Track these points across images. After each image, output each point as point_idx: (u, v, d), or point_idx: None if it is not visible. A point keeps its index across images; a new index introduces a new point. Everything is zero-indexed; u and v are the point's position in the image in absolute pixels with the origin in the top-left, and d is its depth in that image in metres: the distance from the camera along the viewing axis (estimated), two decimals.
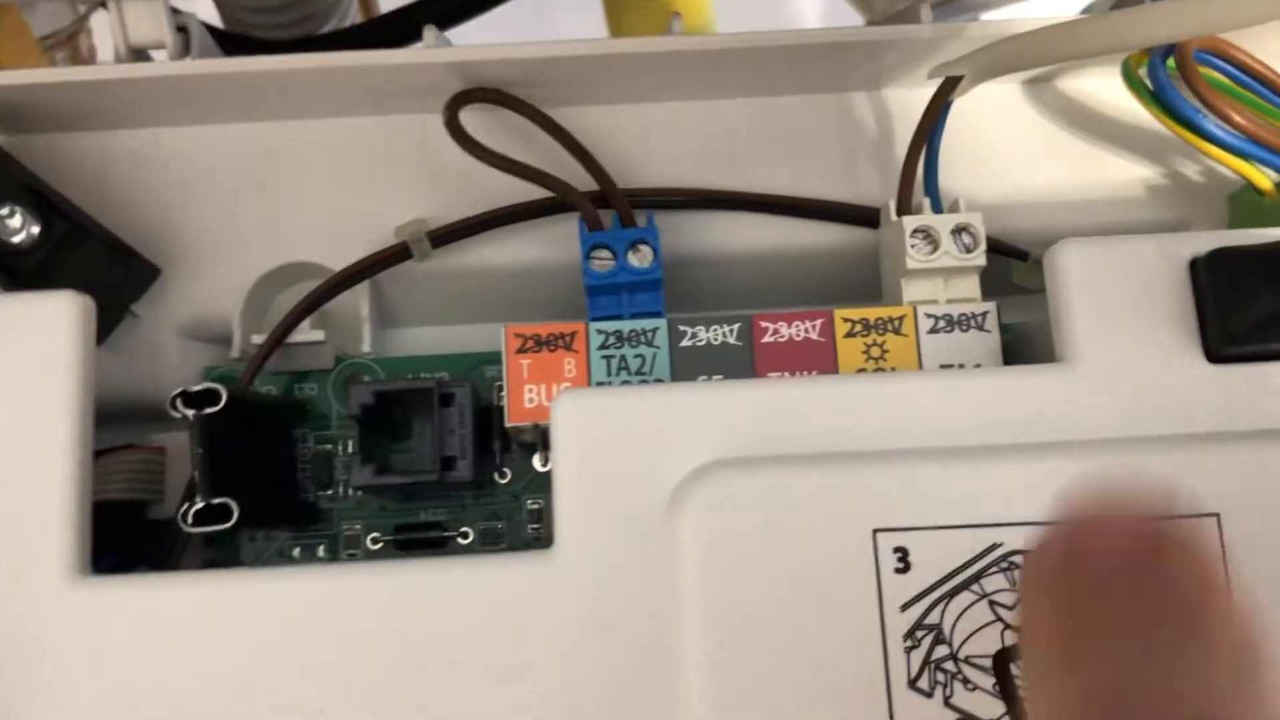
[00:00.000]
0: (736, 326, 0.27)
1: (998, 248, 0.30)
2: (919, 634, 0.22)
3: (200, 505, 0.24)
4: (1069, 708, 0.16)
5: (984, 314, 0.27)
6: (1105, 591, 0.16)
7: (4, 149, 0.28)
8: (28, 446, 0.23)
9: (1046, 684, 0.17)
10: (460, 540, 0.28)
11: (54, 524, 0.23)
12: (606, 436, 0.23)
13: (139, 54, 0.29)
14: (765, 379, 0.25)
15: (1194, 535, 0.17)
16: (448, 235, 0.29)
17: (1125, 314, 0.24)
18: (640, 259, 0.27)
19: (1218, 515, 0.22)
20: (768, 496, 0.22)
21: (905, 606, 0.22)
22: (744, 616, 0.22)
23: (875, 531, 0.22)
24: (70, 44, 0.45)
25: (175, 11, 0.29)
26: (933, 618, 0.22)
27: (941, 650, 0.22)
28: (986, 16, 0.38)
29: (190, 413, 0.24)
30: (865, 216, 0.30)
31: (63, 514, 0.23)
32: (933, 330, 0.27)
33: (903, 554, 0.22)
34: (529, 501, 0.29)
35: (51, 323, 0.24)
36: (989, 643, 0.22)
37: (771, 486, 0.22)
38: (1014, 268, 0.30)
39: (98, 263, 0.28)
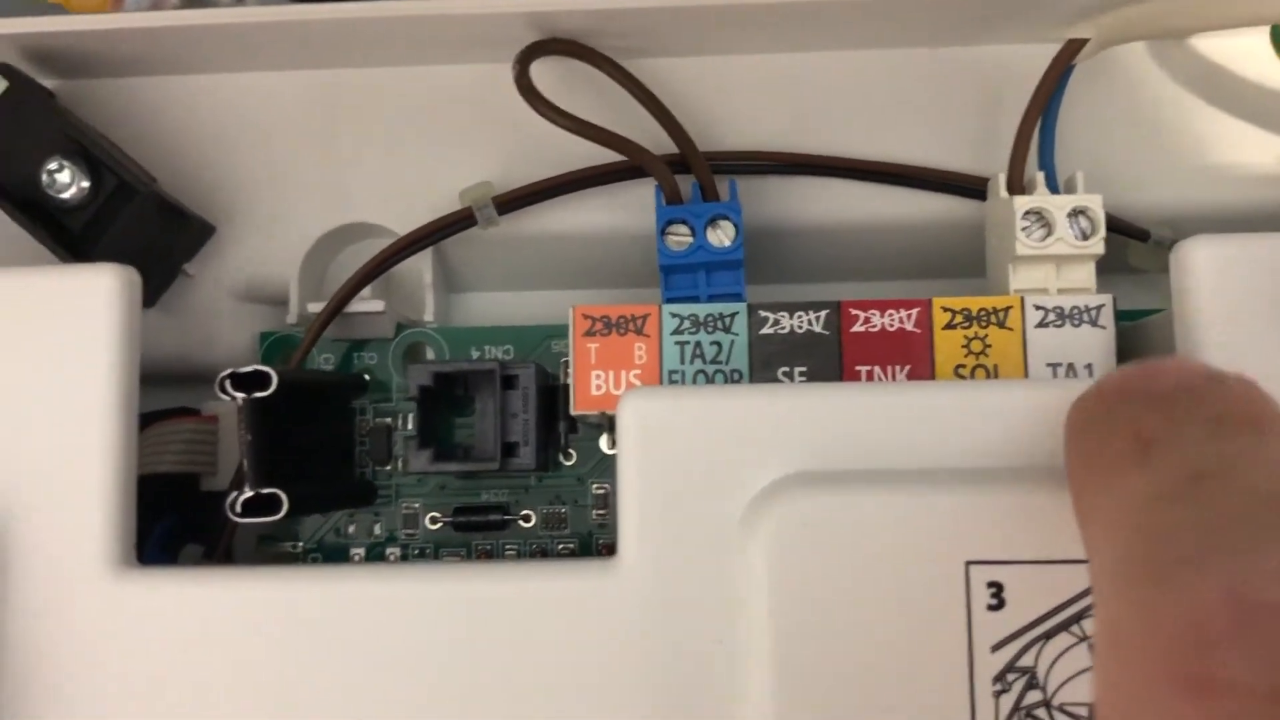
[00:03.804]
0: (823, 314, 0.24)
1: (1115, 226, 0.27)
2: (1010, 677, 0.20)
3: (249, 494, 0.23)
4: (1140, 500, 0.16)
5: (1099, 307, 0.24)
6: (1173, 406, 0.17)
7: (53, 99, 0.27)
8: (68, 431, 0.22)
9: (1124, 477, 0.17)
10: (522, 523, 0.27)
11: (96, 513, 0.22)
12: (677, 442, 0.22)
13: None
14: (854, 384, 0.23)
15: None
16: (515, 201, 0.27)
17: (1261, 324, 0.21)
18: (720, 237, 0.25)
19: None
20: (851, 519, 0.20)
21: (997, 647, 0.20)
22: (818, 648, 0.20)
23: (968, 564, 0.20)
24: None
25: None
26: (1026, 660, 0.20)
27: (1034, 696, 0.20)
28: None
29: (240, 396, 0.23)
30: (971, 187, 0.27)
31: (105, 503, 0.22)
32: (1041, 324, 0.24)
33: (997, 589, 0.20)
34: (594, 486, 0.27)
35: (93, 298, 0.22)
36: (1087, 690, 0.20)
37: (855, 508, 0.20)
38: (1131, 248, 0.28)
39: (150, 220, 0.27)
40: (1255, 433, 0.17)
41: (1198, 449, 0.17)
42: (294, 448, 0.25)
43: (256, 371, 0.23)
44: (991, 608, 0.20)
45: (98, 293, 0.23)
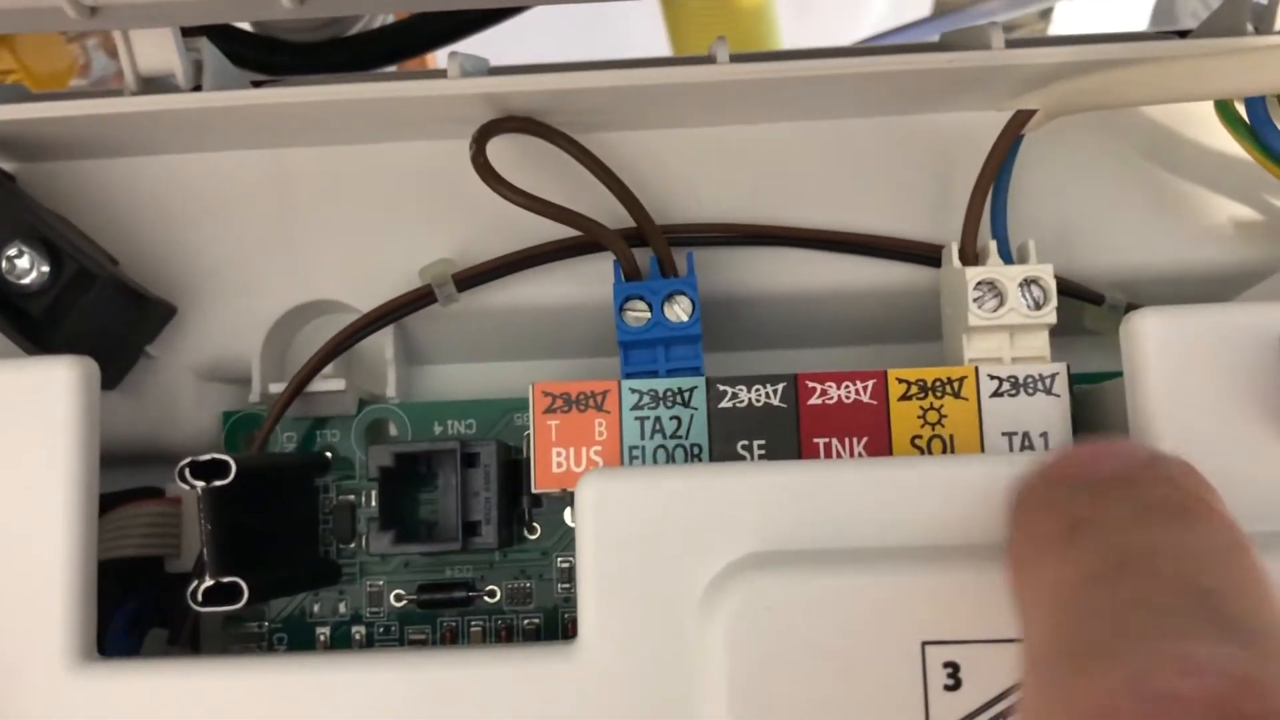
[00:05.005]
0: (781, 387, 0.25)
1: (1070, 290, 0.27)
2: None
3: (210, 583, 0.23)
4: (1063, 583, 0.16)
5: (1053, 376, 0.24)
6: (1105, 491, 0.18)
7: (14, 183, 0.27)
8: (25, 524, 0.22)
9: (1049, 559, 0.17)
10: (487, 599, 0.27)
11: (55, 607, 0.22)
12: (635, 525, 0.22)
13: (150, 82, 0.27)
14: (809, 463, 0.23)
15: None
16: (474, 278, 0.27)
17: (1208, 394, 0.22)
18: (678, 312, 0.25)
19: None
20: (808, 600, 0.21)
21: None
22: None
23: (924, 644, 0.20)
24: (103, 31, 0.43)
25: (188, 34, 0.27)
26: None
27: None
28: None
29: (199, 485, 0.23)
30: (925, 254, 0.28)
31: (64, 596, 0.22)
32: (996, 394, 0.25)
33: (953, 669, 0.20)
34: (559, 559, 0.27)
35: (51, 390, 0.22)
36: None
37: (812, 589, 0.21)
38: (1087, 311, 0.28)
39: (111, 304, 0.27)
40: (1181, 521, 0.17)
41: (1121, 536, 0.17)
42: (256, 532, 0.25)
43: (215, 460, 0.23)
44: (948, 688, 0.20)
45: (55, 384, 0.22)
